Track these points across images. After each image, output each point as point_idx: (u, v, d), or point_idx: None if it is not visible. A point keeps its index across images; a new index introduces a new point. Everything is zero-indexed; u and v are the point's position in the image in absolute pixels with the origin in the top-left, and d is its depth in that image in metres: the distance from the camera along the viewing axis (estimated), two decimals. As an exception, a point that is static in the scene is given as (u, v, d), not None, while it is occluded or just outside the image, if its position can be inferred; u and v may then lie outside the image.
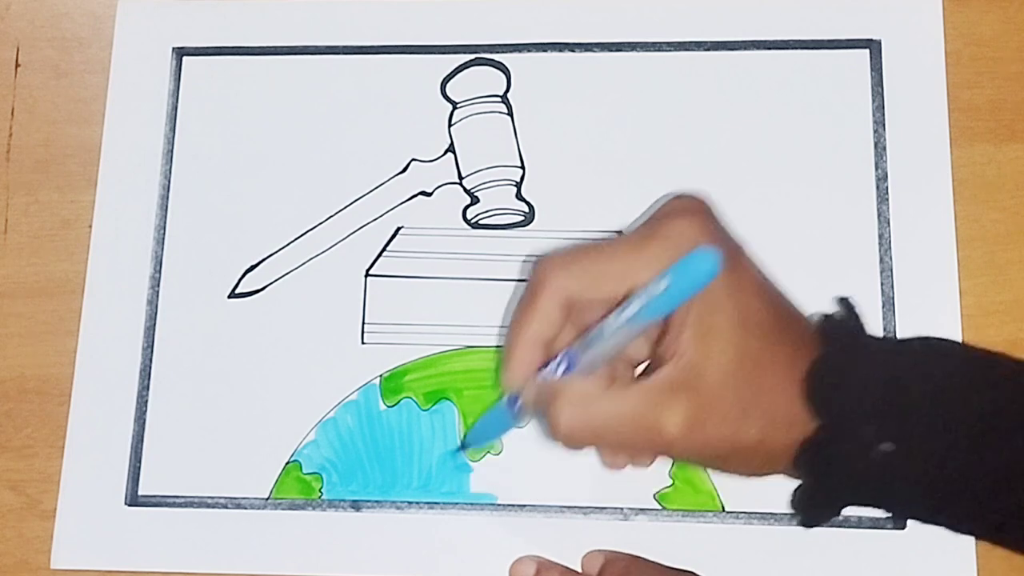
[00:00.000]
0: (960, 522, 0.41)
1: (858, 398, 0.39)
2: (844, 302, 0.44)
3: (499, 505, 0.49)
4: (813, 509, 0.42)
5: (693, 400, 0.38)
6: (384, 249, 0.53)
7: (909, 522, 0.47)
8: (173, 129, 0.55)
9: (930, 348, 0.42)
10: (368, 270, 0.52)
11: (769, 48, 0.53)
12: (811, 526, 0.43)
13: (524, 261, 0.52)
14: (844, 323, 0.42)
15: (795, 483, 0.42)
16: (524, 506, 0.49)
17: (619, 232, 0.52)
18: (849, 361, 0.40)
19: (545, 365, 0.41)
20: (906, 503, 0.41)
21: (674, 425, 0.38)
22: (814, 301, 0.42)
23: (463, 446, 0.49)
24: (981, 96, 0.52)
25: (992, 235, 0.51)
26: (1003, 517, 0.40)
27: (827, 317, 0.42)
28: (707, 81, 0.53)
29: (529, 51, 0.55)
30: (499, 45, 0.55)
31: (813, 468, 0.40)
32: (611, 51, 0.54)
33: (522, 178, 0.53)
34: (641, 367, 0.44)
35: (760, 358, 0.39)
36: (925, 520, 0.42)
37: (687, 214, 0.40)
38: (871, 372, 0.40)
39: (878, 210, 0.51)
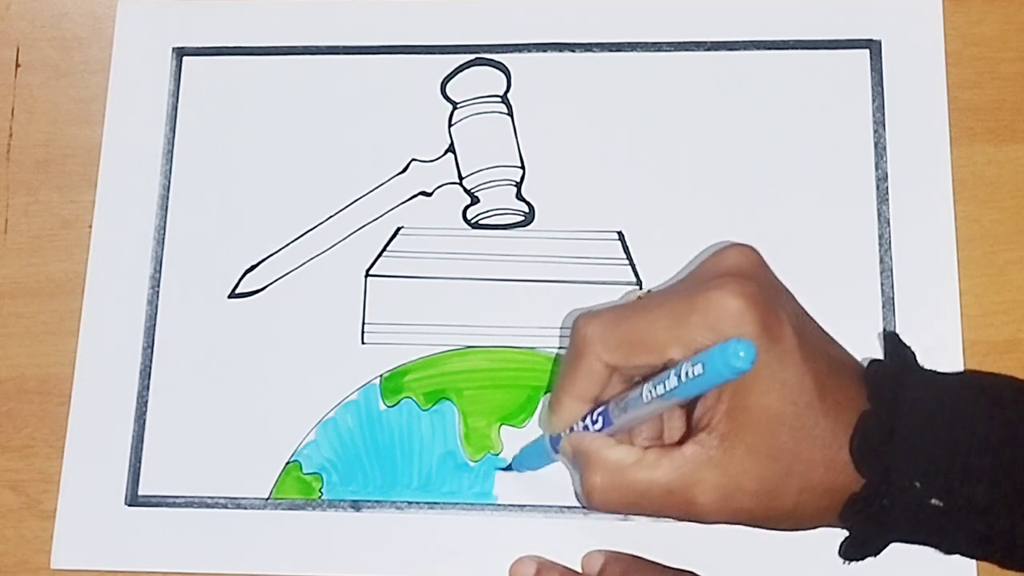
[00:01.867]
0: (1010, 564, 0.41)
1: (905, 457, 0.38)
2: (889, 338, 0.43)
3: (499, 505, 0.49)
4: (859, 555, 0.42)
5: (723, 476, 0.38)
6: (384, 249, 0.53)
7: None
8: (173, 129, 0.55)
9: (978, 388, 0.41)
10: (368, 270, 0.52)
11: (769, 48, 0.53)
12: (853, 562, 0.43)
13: (525, 262, 0.52)
14: (890, 370, 0.41)
15: (841, 534, 0.42)
16: (524, 506, 0.49)
17: (619, 233, 0.52)
18: (894, 416, 0.39)
19: (583, 417, 0.42)
20: (953, 549, 0.41)
21: (704, 499, 0.38)
22: (814, 302, 0.42)
23: (509, 467, 0.49)
24: (981, 96, 0.52)
25: (992, 235, 0.51)
26: None
27: (873, 365, 0.41)
28: (707, 81, 0.53)
29: (529, 51, 0.55)
30: (499, 45, 0.55)
31: (860, 523, 0.40)
32: (611, 51, 0.54)
33: (522, 178, 0.53)
34: (677, 426, 0.43)
35: (798, 428, 0.38)
36: (977, 559, 0.42)
37: (730, 282, 0.38)
38: (918, 427, 0.39)
39: (878, 210, 0.51)
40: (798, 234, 0.51)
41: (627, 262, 0.51)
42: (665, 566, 0.46)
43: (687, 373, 0.36)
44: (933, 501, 0.38)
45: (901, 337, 0.44)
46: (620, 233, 0.52)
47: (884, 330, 0.49)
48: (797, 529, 0.41)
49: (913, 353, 0.43)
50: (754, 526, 0.41)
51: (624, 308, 0.41)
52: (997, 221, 0.51)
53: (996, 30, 0.53)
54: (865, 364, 0.42)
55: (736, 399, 0.38)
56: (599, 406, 0.41)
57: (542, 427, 0.49)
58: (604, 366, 0.40)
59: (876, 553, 0.41)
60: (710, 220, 0.51)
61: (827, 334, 0.42)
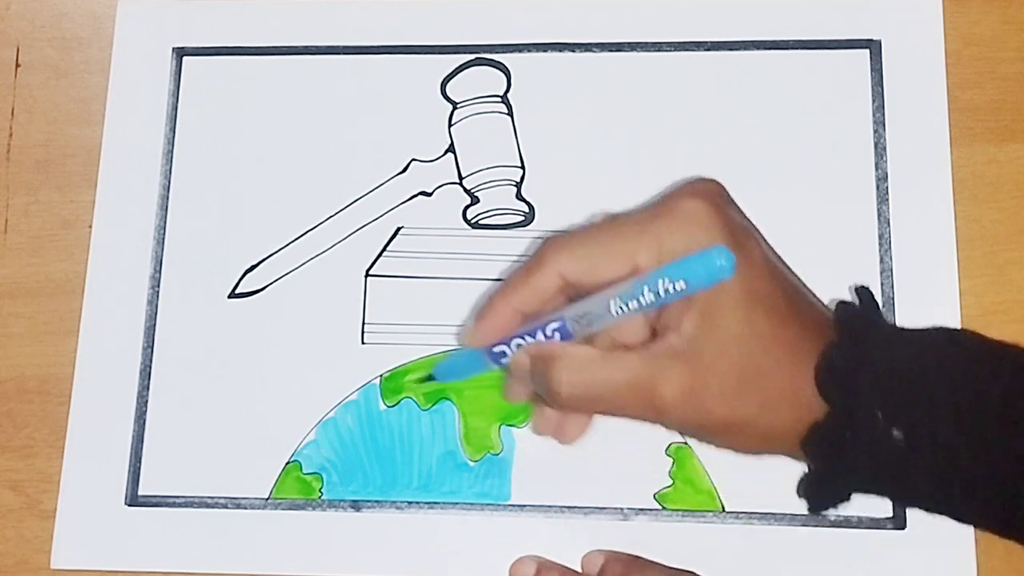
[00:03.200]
0: (966, 514, 0.41)
1: (870, 386, 0.39)
2: (862, 291, 0.43)
3: (499, 505, 0.49)
4: (820, 495, 0.42)
5: (690, 371, 0.39)
6: (384, 249, 0.53)
7: (909, 522, 0.47)
8: (173, 129, 0.55)
9: (945, 338, 0.41)
10: (368, 270, 0.52)
11: (769, 48, 0.54)
12: (818, 511, 0.43)
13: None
14: (860, 311, 0.42)
15: (802, 470, 0.42)
16: (524, 506, 0.49)
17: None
18: (863, 349, 0.39)
19: (532, 332, 0.41)
20: (914, 492, 0.41)
21: (670, 393, 0.38)
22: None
23: (430, 378, 0.48)
24: (981, 96, 0.52)
25: (992, 235, 0.51)
26: (1011, 511, 0.40)
27: (842, 304, 0.42)
28: (707, 81, 0.53)
29: (529, 51, 0.55)
30: (499, 45, 0.55)
31: (821, 453, 0.40)
32: (611, 51, 0.54)
33: (522, 178, 0.53)
34: (633, 330, 0.42)
35: (765, 336, 0.39)
36: (931, 511, 0.42)
37: (698, 195, 0.40)
38: (885, 361, 0.39)
39: (878, 210, 0.51)
40: (798, 234, 0.51)
41: (627, 262, 0.51)
42: (665, 566, 0.46)
43: (667, 289, 0.36)
44: (895, 432, 0.38)
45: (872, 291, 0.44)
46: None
47: (856, 285, 0.48)
48: (757, 452, 0.41)
49: (880, 307, 0.43)
50: (715, 440, 0.41)
51: (591, 227, 0.41)
52: (997, 221, 0.51)
53: (996, 30, 0.53)
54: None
55: (707, 304, 0.38)
56: (549, 321, 0.41)
57: (464, 337, 0.48)
58: (558, 279, 0.40)
59: (837, 498, 0.41)
60: (710, 220, 0.51)
61: (796, 275, 0.42)
